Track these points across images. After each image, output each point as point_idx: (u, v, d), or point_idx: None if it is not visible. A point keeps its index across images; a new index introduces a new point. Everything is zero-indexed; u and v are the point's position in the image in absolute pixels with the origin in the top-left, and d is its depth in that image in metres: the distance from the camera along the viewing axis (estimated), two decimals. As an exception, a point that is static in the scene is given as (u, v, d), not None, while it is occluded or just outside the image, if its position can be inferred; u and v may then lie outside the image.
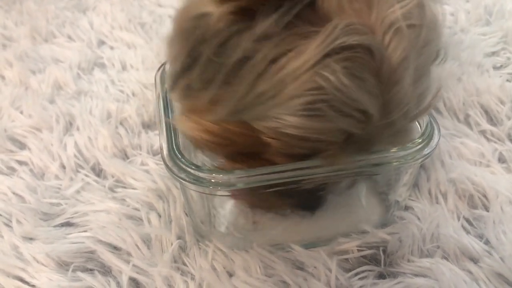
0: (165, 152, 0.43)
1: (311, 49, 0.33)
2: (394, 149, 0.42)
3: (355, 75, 0.33)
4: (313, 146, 0.37)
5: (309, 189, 0.43)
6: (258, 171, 0.41)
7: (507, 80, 0.68)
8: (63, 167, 0.59)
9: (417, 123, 0.46)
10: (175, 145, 0.43)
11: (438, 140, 0.43)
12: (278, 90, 0.34)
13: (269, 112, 0.35)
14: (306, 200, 0.44)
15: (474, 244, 0.48)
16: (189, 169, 0.41)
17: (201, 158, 0.47)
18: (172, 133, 0.44)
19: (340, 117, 0.34)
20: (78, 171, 0.59)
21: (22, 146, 0.63)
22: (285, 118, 0.35)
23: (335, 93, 0.33)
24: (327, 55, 0.33)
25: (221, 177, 0.41)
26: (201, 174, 0.41)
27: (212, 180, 0.41)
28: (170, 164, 0.42)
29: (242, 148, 0.41)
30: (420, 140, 0.43)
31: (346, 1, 0.34)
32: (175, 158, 0.42)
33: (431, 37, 0.37)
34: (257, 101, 0.36)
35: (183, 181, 0.41)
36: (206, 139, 0.40)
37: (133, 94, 0.70)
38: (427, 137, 0.43)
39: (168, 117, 0.46)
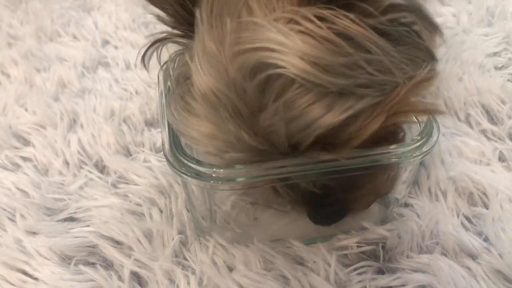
0: (166, 147, 0.43)
1: None
2: (393, 146, 0.43)
3: None
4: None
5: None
6: (258, 166, 0.41)
7: (508, 80, 0.68)
8: (67, 163, 0.60)
9: (416, 121, 0.47)
10: (177, 141, 0.44)
11: (437, 138, 0.44)
12: None
13: None
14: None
15: (473, 241, 0.48)
16: (190, 164, 0.41)
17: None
18: (174, 129, 0.45)
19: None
20: (81, 167, 0.59)
21: (26, 142, 0.64)
22: None
23: None
24: None
25: (221, 171, 0.41)
26: (201, 169, 0.41)
27: (213, 175, 0.41)
28: (171, 158, 0.42)
29: None
30: (419, 137, 0.43)
31: None
32: (176, 153, 0.42)
33: None
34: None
35: (184, 176, 0.42)
36: None
37: (137, 93, 0.71)
38: (426, 134, 0.44)
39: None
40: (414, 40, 0.41)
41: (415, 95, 0.41)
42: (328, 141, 0.38)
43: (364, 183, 0.44)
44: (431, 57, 0.42)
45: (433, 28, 0.44)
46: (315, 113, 0.36)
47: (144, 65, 0.47)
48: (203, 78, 0.37)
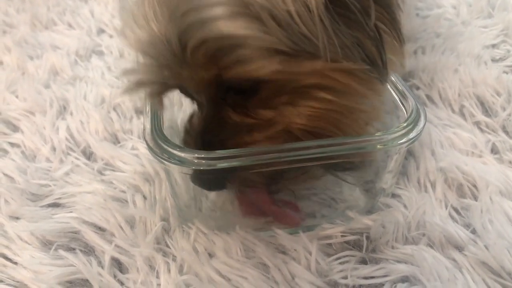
0: (147, 132, 0.43)
1: None
2: (378, 133, 0.42)
3: None
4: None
5: None
6: (240, 152, 0.41)
7: (504, 72, 0.67)
8: (54, 149, 0.60)
9: (402, 107, 0.46)
10: (158, 126, 0.43)
11: (424, 125, 0.43)
12: None
13: None
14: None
15: (460, 233, 0.47)
16: (171, 150, 0.41)
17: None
18: (157, 116, 0.44)
19: None
20: (68, 154, 0.59)
21: (15, 128, 0.63)
22: None
23: None
24: None
25: (203, 157, 0.41)
26: (183, 155, 0.41)
27: (195, 161, 0.41)
28: (152, 144, 0.42)
29: None
30: (405, 124, 0.42)
31: None
32: (158, 139, 0.42)
33: None
34: None
35: (165, 162, 0.41)
36: None
37: (128, 81, 0.70)
38: (413, 121, 0.43)
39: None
40: (369, 35, 0.38)
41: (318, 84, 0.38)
42: (213, 57, 0.36)
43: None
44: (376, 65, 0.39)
45: (398, 35, 0.41)
46: (217, 13, 0.35)
47: None
48: None
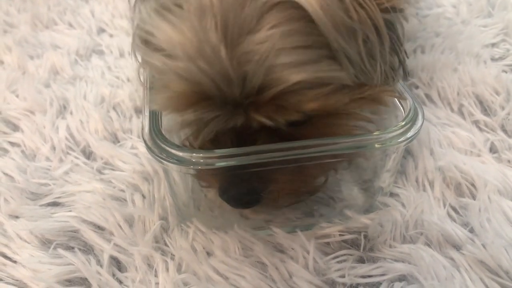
0: (146, 132, 0.43)
1: None
2: (377, 132, 0.42)
3: None
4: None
5: None
6: (238, 151, 0.41)
7: (503, 71, 0.67)
8: (54, 149, 0.60)
9: (400, 106, 0.46)
10: (157, 126, 0.43)
11: (422, 124, 0.43)
12: None
13: None
14: None
15: (458, 232, 0.47)
16: (169, 149, 0.41)
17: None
18: (155, 115, 0.44)
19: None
20: (68, 153, 0.59)
21: (16, 128, 0.64)
22: None
23: None
24: None
25: (201, 156, 0.41)
26: (181, 154, 0.41)
27: (193, 160, 0.41)
28: (150, 144, 0.42)
29: None
30: (403, 123, 0.43)
31: None
32: (156, 138, 0.42)
33: None
34: None
35: (164, 161, 0.41)
36: None
37: (128, 80, 0.70)
38: (411, 120, 0.43)
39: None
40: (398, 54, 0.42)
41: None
42: (283, 100, 0.37)
43: (283, 178, 0.43)
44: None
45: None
46: (299, 58, 0.35)
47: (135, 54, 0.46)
48: None
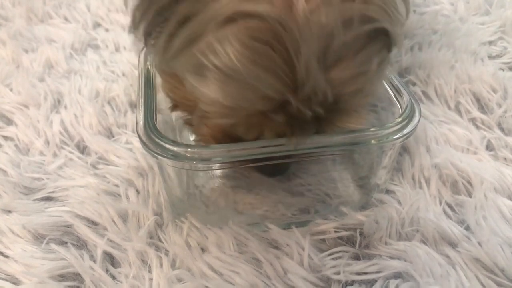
0: (140, 127, 0.43)
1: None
2: (373, 128, 0.42)
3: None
4: (242, 116, 0.37)
5: None
6: (234, 146, 0.40)
7: (500, 69, 0.67)
8: (48, 143, 0.59)
9: (397, 103, 0.46)
10: (151, 121, 0.43)
11: (419, 121, 0.43)
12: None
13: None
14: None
15: (454, 229, 0.47)
16: (164, 144, 0.41)
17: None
18: (150, 110, 0.44)
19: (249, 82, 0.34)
20: (62, 148, 0.58)
21: (9, 122, 0.63)
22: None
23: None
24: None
25: (196, 151, 0.41)
26: (176, 149, 0.40)
27: (188, 155, 0.41)
28: (145, 139, 0.42)
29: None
30: (400, 120, 0.43)
31: None
32: (151, 133, 0.42)
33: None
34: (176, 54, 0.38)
35: (159, 157, 0.41)
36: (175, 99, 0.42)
37: (123, 74, 0.70)
38: (407, 117, 0.43)
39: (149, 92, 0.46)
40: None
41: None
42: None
43: None
44: None
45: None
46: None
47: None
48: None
